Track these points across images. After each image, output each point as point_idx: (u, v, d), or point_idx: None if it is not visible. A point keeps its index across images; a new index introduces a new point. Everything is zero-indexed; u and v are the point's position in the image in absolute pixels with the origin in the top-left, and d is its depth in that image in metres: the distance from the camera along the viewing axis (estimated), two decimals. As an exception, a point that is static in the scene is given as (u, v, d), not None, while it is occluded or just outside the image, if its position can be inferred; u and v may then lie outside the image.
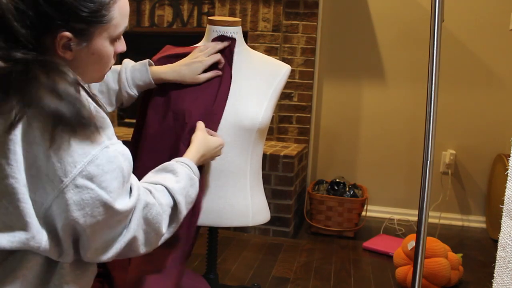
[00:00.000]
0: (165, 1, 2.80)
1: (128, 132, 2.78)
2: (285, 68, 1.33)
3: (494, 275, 0.78)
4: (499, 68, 2.70)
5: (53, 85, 0.69)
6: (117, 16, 0.80)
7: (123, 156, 0.76)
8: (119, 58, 0.94)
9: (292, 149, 2.56)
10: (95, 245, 0.76)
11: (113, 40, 0.83)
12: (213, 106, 1.21)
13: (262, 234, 2.45)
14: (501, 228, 0.76)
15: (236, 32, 1.29)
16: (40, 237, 0.70)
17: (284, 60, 2.66)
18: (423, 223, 1.12)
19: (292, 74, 2.70)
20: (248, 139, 1.25)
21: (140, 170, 1.12)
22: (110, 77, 1.20)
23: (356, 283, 1.93)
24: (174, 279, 1.05)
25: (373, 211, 2.89)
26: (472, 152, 2.79)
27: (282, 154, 2.38)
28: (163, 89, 1.23)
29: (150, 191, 0.85)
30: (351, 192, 2.55)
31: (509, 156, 0.79)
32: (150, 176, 0.96)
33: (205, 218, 1.24)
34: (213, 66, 1.24)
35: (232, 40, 1.27)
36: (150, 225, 0.82)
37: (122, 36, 0.86)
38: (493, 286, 0.78)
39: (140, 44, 2.45)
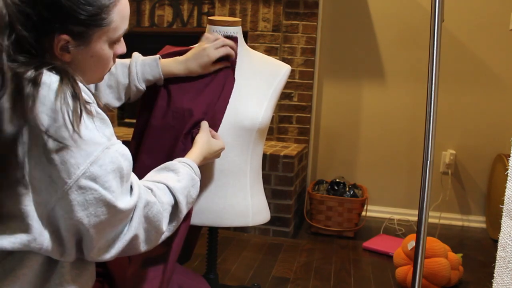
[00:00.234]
0: (165, 1, 2.80)
1: (128, 132, 2.78)
2: (285, 68, 1.33)
3: (494, 275, 0.77)
4: (499, 68, 2.70)
5: (57, 89, 0.69)
6: (116, 19, 0.80)
7: (123, 156, 0.76)
8: (123, 55, 0.94)
9: (292, 149, 2.56)
10: (98, 245, 0.76)
11: (113, 43, 0.83)
12: (215, 106, 1.21)
13: (262, 234, 2.45)
14: (501, 228, 0.76)
15: (236, 32, 1.28)
16: (42, 239, 0.71)
17: (284, 60, 2.66)
18: (423, 223, 1.12)
19: (292, 74, 2.70)
20: (248, 139, 1.25)
21: (139, 169, 1.12)
22: (119, 71, 1.21)
23: (356, 283, 1.93)
24: (161, 275, 1.04)
25: (373, 211, 2.89)
26: (472, 152, 2.79)
27: (282, 154, 2.38)
28: (166, 86, 1.23)
29: (151, 190, 0.86)
30: (351, 192, 2.55)
31: (509, 156, 0.79)
32: (152, 174, 0.96)
33: (205, 218, 1.24)
34: (220, 59, 1.24)
35: (234, 39, 1.27)
36: (151, 223, 0.83)
37: (122, 38, 0.86)
38: (493, 286, 0.78)
39: (140, 44, 2.44)
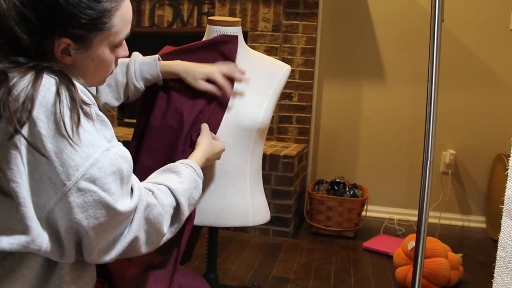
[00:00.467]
0: (165, 1, 2.80)
1: (128, 132, 2.77)
2: (285, 68, 1.33)
3: (494, 275, 0.78)
4: (499, 68, 2.70)
5: (57, 91, 0.70)
6: (118, 23, 0.79)
7: (123, 158, 0.76)
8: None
9: (292, 149, 2.56)
10: (98, 247, 0.76)
11: (114, 47, 0.83)
12: (214, 107, 1.21)
13: (262, 234, 2.45)
14: (501, 228, 0.76)
15: (236, 32, 1.29)
16: (41, 241, 0.71)
17: (284, 60, 2.66)
18: (423, 223, 1.12)
19: (292, 74, 2.70)
20: (248, 139, 1.25)
21: (139, 169, 1.12)
22: (119, 70, 1.20)
23: (356, 283, 1.93)
24: (168, 278, 1.05)
25: (373, 211, 2.89)
26: (472, 152, 2.79)
27: (282, 154, 2.38)
28: (166, 87, 1.23)
29: (152, 192, 0.85)
30: (351, 192, 2.55)
31: (509, 156, 0.79)
32: (154, 176, 0.96)
33: (205, 218, 1.24)
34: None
35: (234, 38, 1.26)
36: (151, 225, 0.83)
37: (124, 41, 0.86)
38: (493, 286, 0.78)
39: (140, 44, 2.45)
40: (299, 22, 2.69)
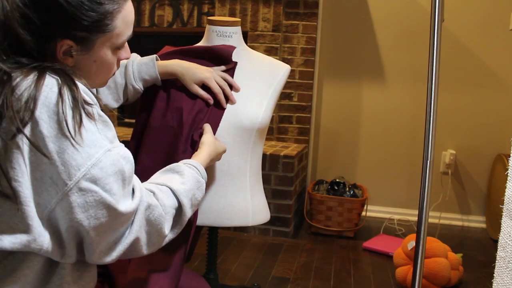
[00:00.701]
0: (165, 1, 2.80)
1: (128, 132, 2.78)
2: (285, 68, 1.33)
3: (494, 275, 0.78)
4: (499, 68, 2.70)
5: (59, 91, 0.70)
6: (120, 26, 0.80)
7: (125, 159, 0.76)
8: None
9: (292, 149, 2.56)
10: (99, 248, 0.76)
11: (116, 49, 0.83)
12: (213, 107, 1.21)
13: (262, 234, 2.45)
14: (501, 228, 0.76)
15: (235, 32, 1.29)
16: (42, 240, 0.71)
17: (284, 60, 2.66)
18: (423, 223, 1.12)
19: (292, 74, 2.70)
20: (248, 139, 1.25)
21: (139, 169, 1.12)
22: (117, 72, 1.20)
23: (356, 283, 1.93)
24: (173, 280, 1.05)
25: (373, 211, 2.89)
26: (472, 152, 2.79)
27: (282, 154, 2.38)
28: (165, 87, 1.23)
29: (154, 193, 0.85)
30: (351, 192, 2.55)
31: (509, 156, 0.79)
32: (157, 176, 0.95)
33: (205, 218, 1.24)
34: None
35: (233, 48, 1.27)
36: (152, 226, 0.82)
37: (126, 43, 0.86)
38: (493, 286, 0.78)
39: (140, 44, 2.44)
40: (299, 22, 2.69)
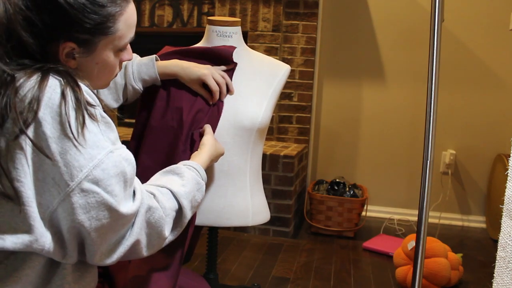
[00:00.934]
0: (165, 1, 2.80)
1: (128, 132, 2.77)
2: (285, 68, 1.33)
3: (494, 275, 0.78)
4: (499, 68, 2.70)
5: (62, 92, 0.70)
6: (122, 28, 0.80)
7: (127, 161, 0.76)
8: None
9: (292, 149, 2.56)
10: (100, 249, 0.76)
11: (119, 51, 0.83)
12: (212, 108, 1.21)
13: (262, 234, 2.45)
14: (501, 228, 0.76)
15: (235, 32, 1.29)
16: (44, 240, 0.71)
17: (284, 60, 2.66)
18: (423, 223, 1.12)
19: (292, 74, 2.70)
20: (248, 139, 1.25)
21: (139, 169, 1.12)
22: None
23: (356, 283, 1.93)
24: (172, 279, 1.05)
25: (373, 211, 2.89)
26: (472, 152, 2.79)
27: (282, 154, 2.38)
28: (165, 87, 1.23)
29: (154, 195, 0.85)
30: (351, 192, 2.55)
31: (509, 156, 0.79)
32: (157, 177, 0.95)
33: (205, 218, 1.24)
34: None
35: (232, 48, 1.26)
36: (152, 228, 0.83)
37: (129, 45, 0.87)
38: (493, 286, 0.78)
39: (140, 44, 2.45)
40: (299, 22, 2.69)
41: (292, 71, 2.67)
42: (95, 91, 1.14)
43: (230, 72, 1.25)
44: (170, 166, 0.98)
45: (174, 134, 1.18)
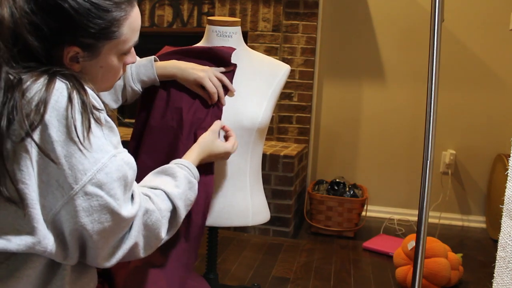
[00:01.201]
0: (165, 1, 2.80)
1: (128, 132, 2.77)
2: (285, 68, 1.33)
3: (494, 275, 0.78)
4: (499, 68, 2.70)
5: (69, 95, 0.70)
6: (127, 32, 0.81)
7: (128, 165, 0.77)
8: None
9: (292, 149, 2.56)
10: (102, 253, 0.77)
11: (123, 54, 0.84)
12: (212, 107, 1.21)
13: (262, 234, 2.45)
14: (501, 228, 0.76)
15: (235, 32, 1.28)
16: (46, 242, 0.71)
17: (284, 60, 2.66)
18: (423, 223, 1.12)
19: (292, 74, 2.70)
20: (248, 139, 1.25)
21: (140, 169, 1.12)
22: None
23: (356, 283, 1.93)
24: (169, 279, 1.05)
25: (373, 211, 2.89)
26: (472, 152, 2.79)
27: (282, 154, 2.38)
28: (165, 87, 1.23)
29: (150, 197, 0.86)
30: (351, 192, 2.55)
31: (509, 156, 0.79)
32: (150, 179, 0.96)
33: (205, 218, 1.24)
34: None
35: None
36: (150, 230, 0.83)
37: (133, 48, 0.87)
38: (493, 286, 0.78)
39: (140, 44, 2.44)
40: (299, 22, 2.69)
41: (292, 71, 2.67)
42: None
43: (230, 73, 1.24)
44: (163, 166, 0.98)
45: (174, 134, 1.18)
